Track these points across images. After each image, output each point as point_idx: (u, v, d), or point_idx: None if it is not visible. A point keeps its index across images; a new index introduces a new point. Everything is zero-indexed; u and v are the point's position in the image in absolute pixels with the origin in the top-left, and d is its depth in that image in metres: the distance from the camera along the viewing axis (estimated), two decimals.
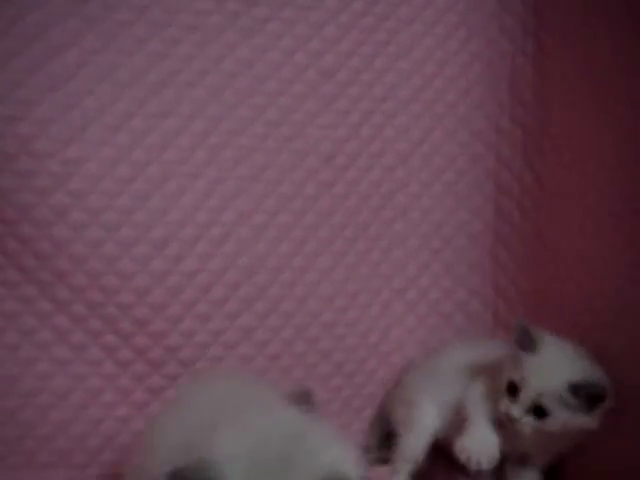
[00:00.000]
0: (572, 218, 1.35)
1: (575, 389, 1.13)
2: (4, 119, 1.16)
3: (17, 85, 1.17)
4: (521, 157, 1.44)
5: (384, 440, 1.40)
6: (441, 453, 1.30)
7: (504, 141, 1.45)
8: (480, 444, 1.17)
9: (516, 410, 1.17)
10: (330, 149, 1.35)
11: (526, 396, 1.16)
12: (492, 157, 1.46)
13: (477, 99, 1.45)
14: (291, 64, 1.32)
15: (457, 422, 1.24)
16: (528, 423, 1.16)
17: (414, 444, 1.30)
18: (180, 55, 1.25)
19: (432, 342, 1.46)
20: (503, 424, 1.19)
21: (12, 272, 1.21)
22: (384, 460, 1.33)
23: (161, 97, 1.25)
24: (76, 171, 1.20)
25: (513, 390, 1.18)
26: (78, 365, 1.27)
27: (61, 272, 1.22)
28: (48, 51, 1.18)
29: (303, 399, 0.85)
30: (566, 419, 1.14)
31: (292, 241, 1.34)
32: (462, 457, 1.17)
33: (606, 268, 1.27)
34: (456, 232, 1.46)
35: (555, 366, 1.16)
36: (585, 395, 1.13)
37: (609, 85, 1.25)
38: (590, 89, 1.30)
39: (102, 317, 1.25)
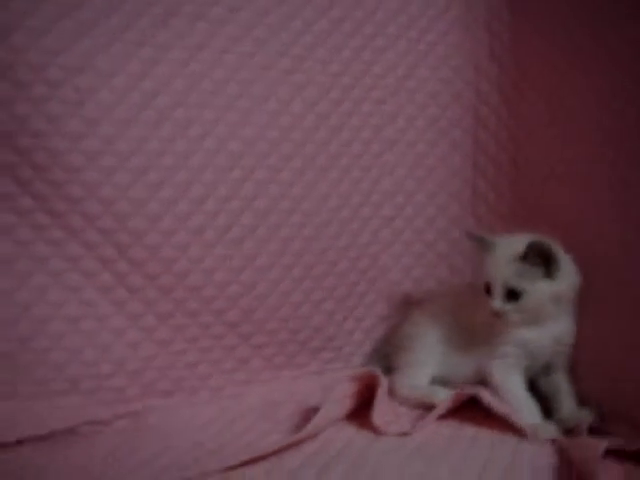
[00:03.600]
0: (543, 144, 1.46)
1: (525, 255, 1.28)
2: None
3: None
4: (497, 92, 1.54)
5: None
6: None
7: (482, 78, 1.54)
8: (535, 425, 1.27)
9: (496, 303, 1.31)
10: (328, 84, 1.41)
11: (497, 287, 1.31)
12: (472, 93, 1.55)
13: (456, 39, 1.54)
14: None
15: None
16: (510, 310, 1.30)
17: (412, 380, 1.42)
18: None
19: (417, 269, 1.56)
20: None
21: (42, 215, 1.24)
22: None
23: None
24: (107, 116, 1.24)
25: (488, 290, 1.33)
26: (89, 291, 1.29)
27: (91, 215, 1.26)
28: None
29: None
30: (536, 289, 1.28)
31: (292, 170, 1.41)
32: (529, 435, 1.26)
33: (574, 182, 1.39)
34: (438, 163, 1.56)
35: (508, 252, 1.31)
36: (537, 256, 1.27)
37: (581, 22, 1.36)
38: (563, 27, 1.41)
39: (115, 244, 1.29)
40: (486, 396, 1.30)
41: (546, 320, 1.32)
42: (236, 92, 1.34)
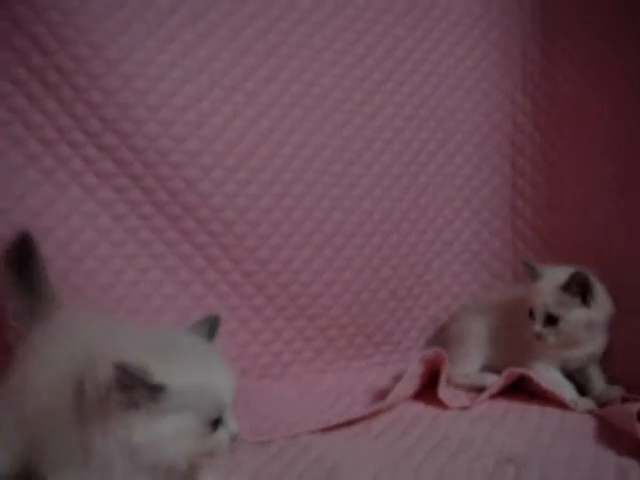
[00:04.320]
0: (574, 166, 1.73)
1: (566, 287, 1.49)
2: None
3: None
4: (532, 122, 1.81)
5: None
6: None
7: (518, 110, 1.81)
8: (575, 399, 1.50)
9: (537, 326, 1.53)
10: (393, 112, 1.68)
11: (538, 312, 1.52)
12: (509, 123, 1.82)
13: (496, 78, 1.80)
14: None
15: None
16: (547, 332, 1.52)
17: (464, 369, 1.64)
18: None
19: (464, 275, 1.80)
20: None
21: (79, 134, 1.39)
22: None
23: None
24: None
25: (532, 314, 1.54)
26: (104, 218, 1.43)
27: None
28: None
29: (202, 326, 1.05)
30: (573, 316, 1.49)
31: (363, 187, 1.66)
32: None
33: (603, 201, 1.66)
34: (481, 184, 1.81)
35: (551, 282, 1.52)
36: (575, 287, 1.48)
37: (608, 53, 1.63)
38: (590, 62, 1.68)
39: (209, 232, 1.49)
40: (534, 374, 1.53)
41: (580, 344, 1.53)
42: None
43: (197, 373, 0.96)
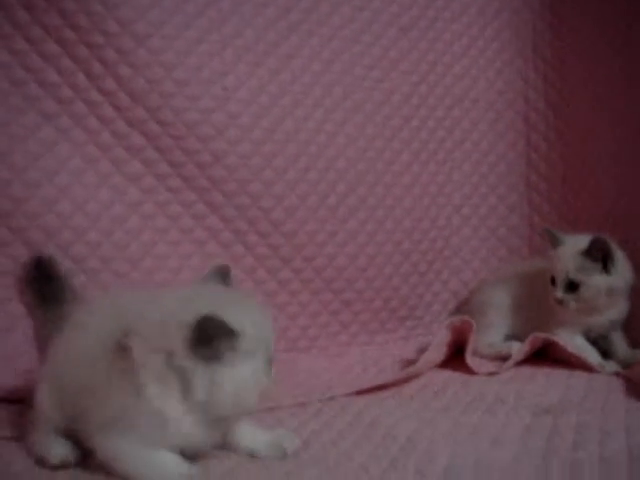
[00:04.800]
0: (587, 140, 1.77)
1: (587, 252, 1.51)
2: None
3: None
4: (544, 99, 1.84)
5: None
6: None
7: (530, 87, 1.85)
8: (601, 363, 1.52)
9: (558, 292, 1.55)
10: (410, 91, 1.71)
11: (560, 279, 1.55)
12: (521, 100, 1.86)
13: (508, 57, 1.84)
14: None
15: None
16: (569, 298, 1.54)
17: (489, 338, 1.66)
18: None
19: (482, 250, 1.83)
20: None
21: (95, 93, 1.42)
22: None
23: None
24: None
25: (553, 281, 1.57)
26: (105, 163, 1.45)
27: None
28: None
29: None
30: (593, 282, 1.51)
31: (384, 161, 1.69)
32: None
33: (617, 174, 1.68)
34: (497, 160, 1.85)
35: (572, 248, 1.54)
36: (596, 252, 1.49)
37: (619, 36, 1.67)
38: (602, 42, 1.72)
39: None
40: (560, 338, 1.55)
41: (602, 310, 1.55)
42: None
43: (254, 317, 0.99)
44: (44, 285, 1.29)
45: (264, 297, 1.58)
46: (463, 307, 1.80)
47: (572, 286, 1.53)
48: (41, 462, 1.04)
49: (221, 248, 1.53)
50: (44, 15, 1.36)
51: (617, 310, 1.58)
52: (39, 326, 1.29)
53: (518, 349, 1.58)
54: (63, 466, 1.03)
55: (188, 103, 1.46)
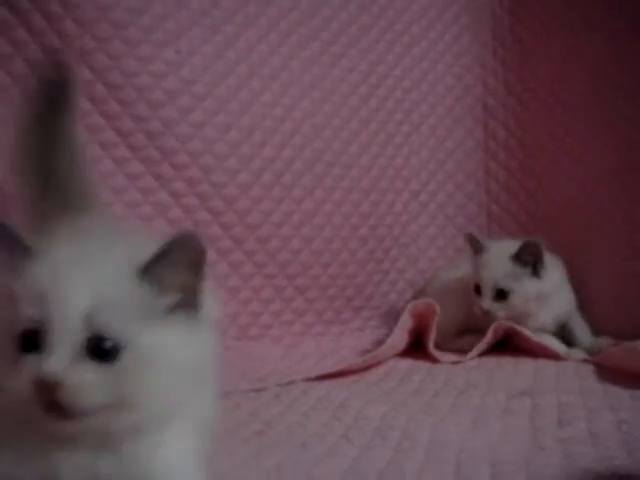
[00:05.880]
0: (546, 126, 1.72)
1: (517, 256, 1.43)
2: None
3: None
4: (503, 85, 1.80)
5: None
6: None
7: (489, 73, 1.80)
8: (567, 351, 1.45)
9: (485, 302, 1.46)
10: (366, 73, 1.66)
11: (486, 287, 1.46)
12: (480, 86, 1.80)
13: (466, 42, 1.79)
14: None
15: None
16: (498, 308, 1.46)
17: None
18: None
19: (440, 239, 1.76)
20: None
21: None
22: None
23: None
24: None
25: (478, 290, 1.48)
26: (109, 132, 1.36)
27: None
28: None
29: None
30: (523, 289, 1.44)
31: (341, 141, 1.61)
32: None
33: (574, 163, 1.64)
34: (455, 147, 1.78)
35: (500, 254, 1.47)
36: (527, 256, 1.42)
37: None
38: (559, 21, 1.68)
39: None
40: (522, 329, 1.48)
41: (534, 315, 1.48)
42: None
43: None
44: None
45: (214, 280, 1.46)
46: (419, 297, 1.71)
47: (501, 294, 1.45)
48: None
49: (169, 225, 1.41)
50: None
51: (556, 308, 1.51)
52: None
53: (481, 341, 1.50)
54: None
55: (138, 66, 1.35)
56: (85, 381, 0.59)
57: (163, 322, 0.64)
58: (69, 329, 0.60)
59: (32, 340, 0.60)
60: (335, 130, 1.60)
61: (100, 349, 0.60)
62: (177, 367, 0.65)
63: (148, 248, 0.65)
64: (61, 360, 0.59)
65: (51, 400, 0.59)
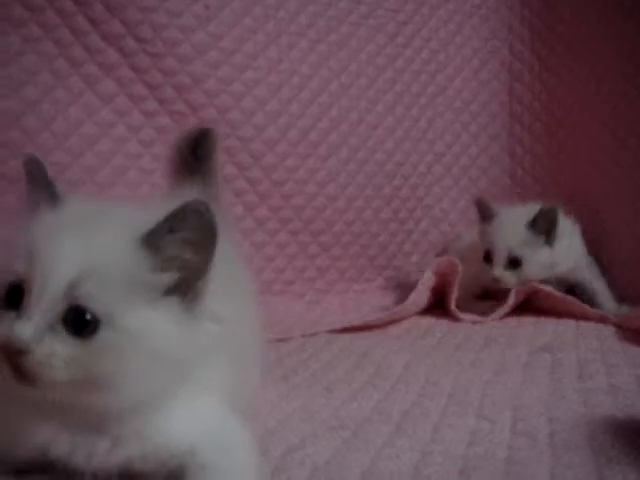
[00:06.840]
0: (572, 91, 1.71)
1: (533, 223, 1.40)
2: None
3: None
4: (529, 49, 1.79)
5: None
6: None
7: (516, 37, 1.79)
8: None
9: (497, 271, 1.44)
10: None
11: (499, 255, 1.44)
12: (506, 50, 1.80)
13: (494, 5, 1.79)
14: None
15: None
16: (509, 276, 1.44)
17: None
18: None
19: (462, 202, 1.76)
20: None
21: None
22: None
23: None
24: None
25: (487, 257, 1.46)
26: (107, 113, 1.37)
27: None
28: None
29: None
30: (537, 258, 1.42)
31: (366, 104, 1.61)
32: None
33: (605, 132, 1.63)
34: (480, 109, 1.78)
35: (514, 220, 1.44)
36: (543, 224, 1.40)
37: None
38: None
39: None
40: (545, 287, 1.48)
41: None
42: None
43: None
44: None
45: (241, 235, 1.48)
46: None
47: (514, 262, 1.43)
48: None
49: None
50: None
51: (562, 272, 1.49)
52: None
53: (504, 304, 1.48)
54: None
55: (167, 18, 1.36)
56: (54, 353, 0.56)
57: (153, 304, 0.59)
58: (49, 294, 0.56)
59: (16, 297, 0.58)
60: (361, 89, 1.60)
61: (77, 321, 0.56)
62: (158, 356, 0.59)
63: (155, 216, 0.59)
64: (34, 326, 0.56)
65: (16, 364, 0.56)
